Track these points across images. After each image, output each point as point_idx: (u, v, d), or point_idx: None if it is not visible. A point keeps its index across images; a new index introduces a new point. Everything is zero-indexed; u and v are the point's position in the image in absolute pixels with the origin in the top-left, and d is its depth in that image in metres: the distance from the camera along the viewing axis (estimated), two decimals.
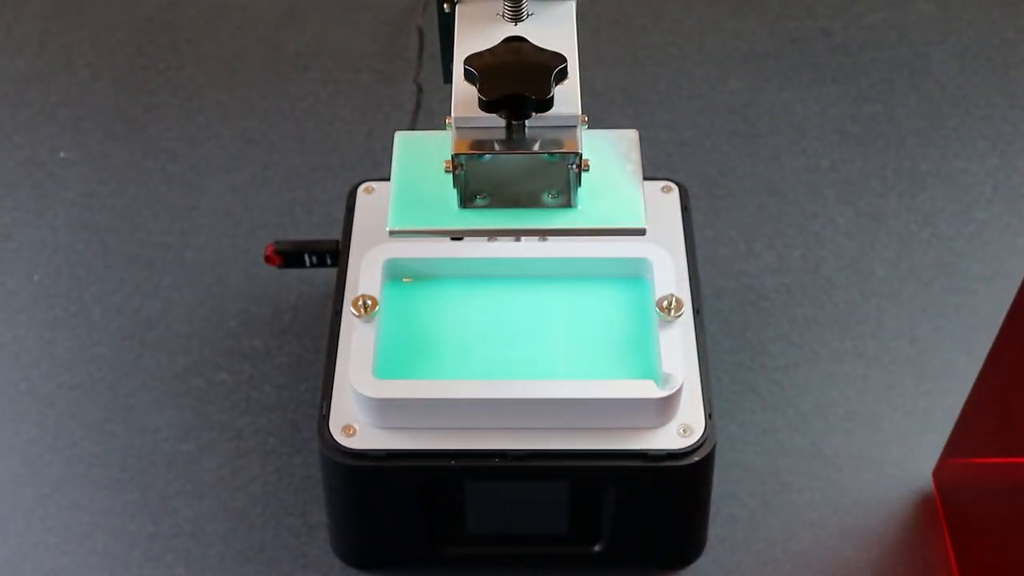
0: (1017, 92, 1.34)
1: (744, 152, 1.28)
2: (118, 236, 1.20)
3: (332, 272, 1.03)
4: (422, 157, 0.87)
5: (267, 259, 1.09)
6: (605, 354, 0.89)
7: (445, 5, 0.88)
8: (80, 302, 1.15)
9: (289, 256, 1.08)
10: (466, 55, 0.80)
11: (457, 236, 0.94)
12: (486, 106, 0.78)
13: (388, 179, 0.87)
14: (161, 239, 1.20)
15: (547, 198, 0.84)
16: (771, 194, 1.23)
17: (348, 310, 0.90)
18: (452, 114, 0.81)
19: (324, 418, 0.87)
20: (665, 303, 0.87)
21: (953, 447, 0.99)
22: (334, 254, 1.06)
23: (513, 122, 0.81)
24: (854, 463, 1.03)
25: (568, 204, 0.84)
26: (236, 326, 1.13)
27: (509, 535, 0.95)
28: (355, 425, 0.87)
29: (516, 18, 0.85)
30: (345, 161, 1.27)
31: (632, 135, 0.89)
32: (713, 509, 0.97)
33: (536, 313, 0.91)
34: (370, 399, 0.85)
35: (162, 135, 1.30)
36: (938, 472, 1.01)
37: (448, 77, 0.88)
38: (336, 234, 1.05)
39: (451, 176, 0.82)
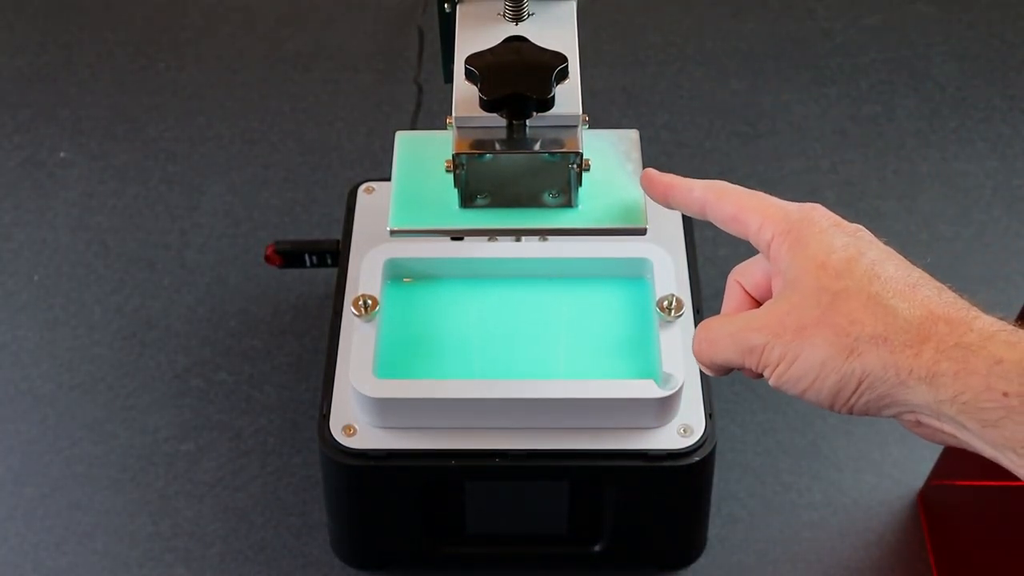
0: (1016, 94, 1.34)
1: (744, 152, 1.28)
2: (118, 236, 1.20)
3: (332, 272, 1.03)
4: (423, 157, 0.87)
5: (267, 259, 1.09)
6: (605, 354, 0.89)
7: (445, 5, 0.88)
8: (80, 302, 1.15)
9: (289, 256, 1.08)
10: (467, 55, 0.80)
11: (457, 236, 0.94)
12: (487, 105, 0.78)
13: (388, 179, 0.87)
14: (161, 239, 1.20)
15: (548, 198, 0.84)
16: (771, 194, 1.23)
17: (348, 310, 0.90)
18: (453, 114, 0.81)
19: (324, 418, 0.87)
20: (665, 303, 0.87)
21: (940, 470, 0.99)
22: (334, 254, 1.06)
23: (514, 122, 0.80)
24: (854, 464, 1.03)
25: (569, 204, 0.84)
26: (236, 326, 1.13)
27: (509, 535, 0.95)
28: (355, 425, 0.87)
29: (517, 18, 0.85)
30: (345, 161, 1.27)
31: (633, 135, 0.89)
32: (713, 509, 0.97)
33: (536, 313, 0.91)
34: (370, 399, 0.85)
35: (162, 135, 1.30)
36: (924, 494, 1.01)
37: (448, 77, 0.88)
38: (336, 234, 1.05)
39: (452, 176, 0.82)
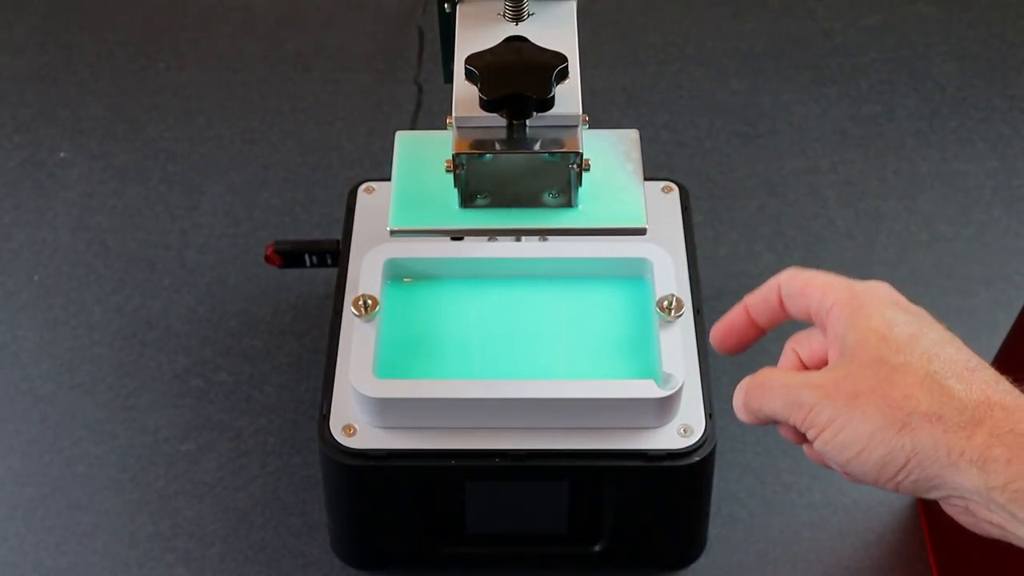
0: (1016, 94, 1.34)
1: (744, 152, 1.28)
2: (118, 236, 1.20)
3: (332, 272, 1.03)
4: (423, 157, 0.87)
5: (267, 259, 1.09)
6: (605, 354, 0.89)
7: (445, 5, 0.88)
8: (80, 302, 1.15)
9: (289, 256, 1.08)
10: (467, 55, 0.80)
11: (457, 236, 0.94)
12: (487, 105, 0.78)
13: (388, 179, 0.87)
14: (161, 239, 1.20)
15: (548, 198, 0.84)
16: (771, 194, 1.23)
17: (348, 310, 0.90)
18: (453, 114, 0.81)
19: (324, 418, 0.87)
20: (665, 303, 0.87)
21: None
22: (334, 254, 1.06)
23: (514, 122, 0.80)
24: None
25: (569, 204, 0.84)
26: (236, 326, 1.13)
27: (509, 535, 0.95)
28: (355, 425, 0.87)
29: (517, 18, 0.85)
30: (345, 161, 1.27)
31: (633, 135, 0.89)
32: (713, 509, 0.97)
33: (536, 313, 0.91)
34: (370, 399, 0.85)
35: (162, 135, 1.30)
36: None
37: (449, 77, 0.88)
38: (336, 234, 1.05)
39: (452, 176, 0.82)
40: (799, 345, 0.64)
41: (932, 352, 0.57)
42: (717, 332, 0.68)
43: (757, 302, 0.66)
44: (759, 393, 0.61)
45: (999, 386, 0.56)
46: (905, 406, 0.55)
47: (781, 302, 0.64)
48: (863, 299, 0.60)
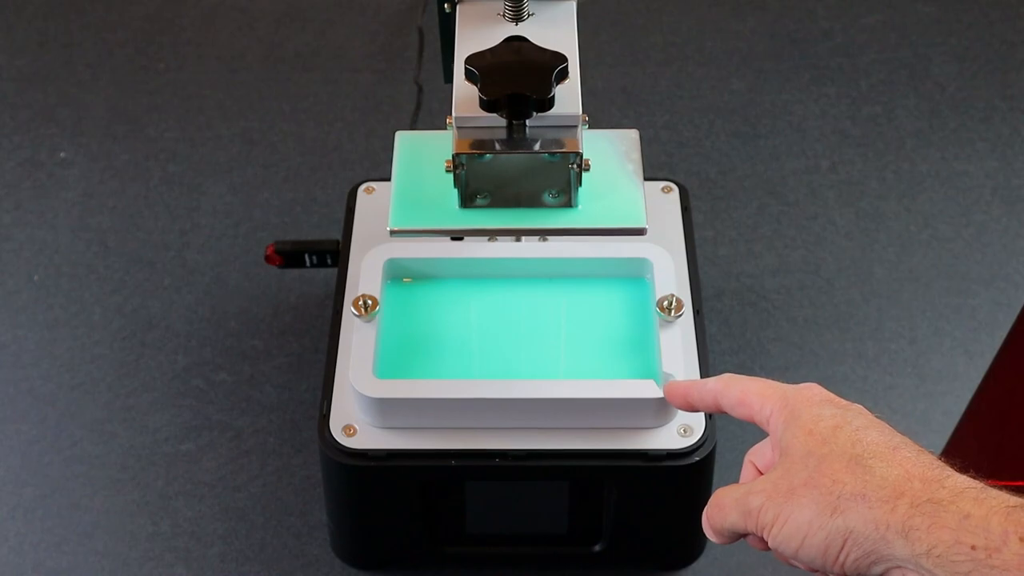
0: (1016, 94, 1.34)
1: (744, 152, 1.28)
2: (118, 236, 1.20)
3: (332, 272, 1.03)
4: (422, 157, 0.87)
5: (267, 259, 1.09)
6: (605, 354, 0.89)
7: (446, 5, 0.88)
8: (80, 302, 1.15)
9: (289, 256, 1.08)
10: (467, 55, 0.80)
11: (457, 236, 0.94)
12: (487, 105, 0.78)
13: (388, 179, 0.87)
14: (161, 239, 1.20)
15: (548, 198, 0.84)
16: (771, 194, 1.23)
17: (348, 310, 0.90)
18: (453, 114, 0.81)
19: (324, 418, 0.87)
20: (665, 303, 0.87)
21: None
22: (334, 254, 1.06)
23: (514, 122, 0.81)
24: None
25: (569, 204, 0.84)
26: (236, 326, 1.13)
27: (509, 535, 0.95)
28: (355, 425, 0.87)
29: (517, 18, 0.85)
30: (345, 161, 1.27)
31: (633, 135, 0.89)
32: None
33: (536, 313, 0.91)
34: (370, 399, 0.85)
35: (162, 135, 1.30)
36: None
37: (449, 77, 0.88)
38: (336, 234, 1.05)
39: (452, 176, 0.82)
40: (755, 457, 0.69)
41: (855, 438, 0.61)
42: (666, 391, 0.75)
43: (695, 399, 0.71)
44: (716, 512, 0.65)
45: (919, 459, 0.59)
46: (834, 490, 0.59)
47: (718, 405, 0.69)
48: (794, 403, 0.64)
